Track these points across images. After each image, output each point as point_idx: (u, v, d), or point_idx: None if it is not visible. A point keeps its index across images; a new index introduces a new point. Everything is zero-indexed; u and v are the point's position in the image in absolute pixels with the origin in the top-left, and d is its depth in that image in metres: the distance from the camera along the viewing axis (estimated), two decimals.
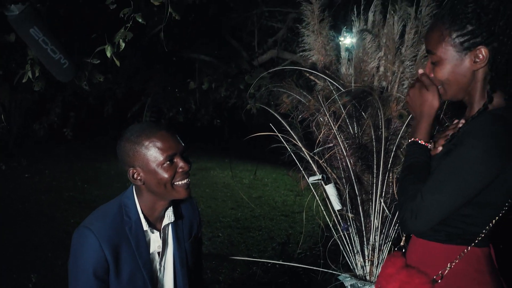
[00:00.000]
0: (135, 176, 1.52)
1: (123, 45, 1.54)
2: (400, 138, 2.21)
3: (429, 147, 1.39)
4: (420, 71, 1.43)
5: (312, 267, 2.66)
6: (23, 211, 5.82)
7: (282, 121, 2.52)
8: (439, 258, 1.34)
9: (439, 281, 1.32)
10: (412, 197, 1.30)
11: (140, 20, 1.60)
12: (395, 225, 2.34)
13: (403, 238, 1.54)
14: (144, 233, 1.57)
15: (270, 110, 2.62)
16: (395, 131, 2.23)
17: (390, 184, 2.28)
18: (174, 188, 1.53)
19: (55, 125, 4.73)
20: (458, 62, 1.31)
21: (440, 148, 1.38)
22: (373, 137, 2.22)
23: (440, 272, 1.32)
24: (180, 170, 1.52)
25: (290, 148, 2.52)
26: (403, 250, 1.50)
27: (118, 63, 1.62)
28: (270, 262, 4.24)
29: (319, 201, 2.52)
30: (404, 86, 2.28)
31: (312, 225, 6.00)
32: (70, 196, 6.65)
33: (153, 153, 1.49)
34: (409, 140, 1.43)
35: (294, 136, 2.46)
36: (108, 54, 1.49)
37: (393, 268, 1.43)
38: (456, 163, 1.24)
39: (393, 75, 2.29)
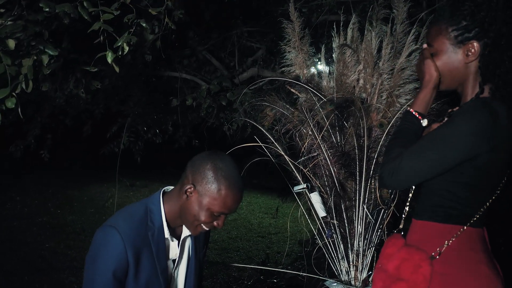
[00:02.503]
0: (188, 191, 1.52)
1: (126, 48, 1.59)
2: (381, 146, 2.33)
3: (421, 121, 1.51)
4: (424, 45, 1.56)
5: (299, 273, 2.71)
6: None
7: (266, 133, 2.60)
8: (437, 237, 1.44)
9: (437, 257, 1.42)
10: (393, 158, 1.44)
11: (144, 25, 1.68)
12: (377, 231, 2.43)
13: (402, 221, 1.64)
14: (164, 240, 1.58)
15: (254, 123, 2.71)
16: (376, 139, 2.34)
17: (373, 190, 2.38)
18: (196, 227, 1.55)
19: (31, 147, 4.67)
20: (452, 54, 1.47)
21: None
22: (356, 145, 2.32)
23: (438, 249, 1.42)
24: (215, 224, 1.55)
25: (274, 160, 2.61)
26: (402, 233, 1.60)
27: (117, 69, 1.68)
28: (251, 280, 4.26)
29: (303, 210, 2.59)
30: (383, 98, 2.41)
31: (290, 245, 6.06)
32: (43, 221, 6.52)
33: (216, 201, 1.49)
34: (407, 108, 1.56)
35: (279, 148, 2.55)
36: (109, 60, 1.54)
37: (393, 248, 1.52)
38: (438, 136, 1.39)
39: (372, 87, 2.42)
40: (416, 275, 1.41)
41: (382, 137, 2.33)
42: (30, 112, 4.64)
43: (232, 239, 6.30)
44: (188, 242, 1.70)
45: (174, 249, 1.64)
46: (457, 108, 1.55)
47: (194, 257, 1.70)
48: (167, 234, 1.59)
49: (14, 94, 1.66)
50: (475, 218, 1.43)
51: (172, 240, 1.63)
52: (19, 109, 1.75)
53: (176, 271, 1.69)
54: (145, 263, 1.53)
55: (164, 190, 1.63)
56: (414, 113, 1.54)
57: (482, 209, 1.44)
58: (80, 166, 11.84)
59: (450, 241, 1.42)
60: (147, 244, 1.53)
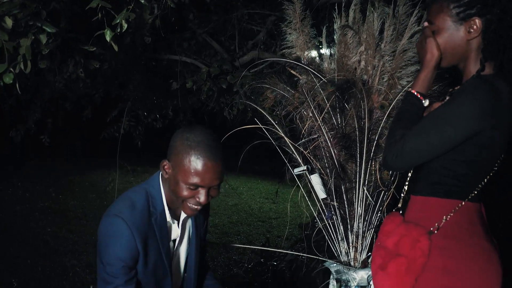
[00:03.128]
0: (165, 167, 1.53)
1: (125, 26, 1.57)
2: (382, 128, 2.32)
3: (423, 101, 1.51)
4: (425, 24, 1.55)
5: (299, 253, 2.73)
6: None
7: (266, 114, 2.60)
8: (435, 212, 1.45)
9: (436, 232, 1.43)
10: (397, 140, 1.45)
11: (143, 2, 1.65)
12: (377, 213, 2.44)
13: (401, 199, 1.64)
14: (166, 223, 1.59)
15: (254, 105, 2.70)
16: (377, 121, 2.33)
17: (373, 172, 2.38)
18: (183, 204, 1.53)
19: (31, 132, 4.67)
20: (454, 31, 1.46)
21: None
22: (356, 127, 2.31)
23: (436, 224, 1.43)
24: (197, 199, 1.51)
25: (274, 143, 2.60)
26: (400, 212, 1.61)
27: (116, 48, 1.67)
28: (251, 263, 4.29)
29: (303, 192, 2.59)
30: (384, 80, 2.40)
31: (290, 229, 6.08)
32: (45, 207, 6.55)
33: (189, 170, 1.45)
34: (408, 89, 1.55)
35: (279, 130, 2.55)
36: (108, 38, 1.53)
37: (392, 225, 1.53)
38: (440, 116, 1.39)
39: (374, 69, 2.40)
40: (414, 250, 1.42)
41: (383, 119, 2.32)
42: (29, 96, 4.64)
43: (233, 223, 6.34)
44: (189, 222, 1.71)
45: (175, 230, 1.66)
46: (458, 87, 1.54)
47: (194, 235, 1.71)
48: (168, 217, 1.60)
49: (12, 69, 1.64)
50: (473, 194, 1.45)
51: (173, 222, 1.64)
52: (17, 86, 1.74)
53: (177, 250, 1.70)
54: (151, 249, 1.54)
55: (161, 173, 1.62)
56: (415, 94, 1.53)
57: (480, 185, 1.45)
58: (81, 152, 11.88)
59: (449, 216, 1.43)
60: (151, 229, 1.54)
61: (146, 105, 4.63)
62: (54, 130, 4.86)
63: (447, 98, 1.53)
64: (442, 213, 1.44)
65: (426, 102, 1.52)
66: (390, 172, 2.36)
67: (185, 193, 1.48)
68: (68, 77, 3.96)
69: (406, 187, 1.69)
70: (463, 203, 1.44)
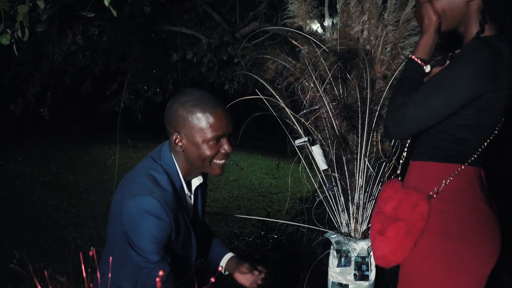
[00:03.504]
0: (177, 141, 1.51)
1: None
2: (384, 99, 2.30)
3: (424, 67, 1.49)
4: None
5: (299, 224, 2.74)
6: None
7: (267, 85, 2.58)
8: (435, 176, 1.45)
9: (435, 196, 1.43)
10: (397, 108, 1.44)
11: None
12: (378, 184, 2.44)
13: (399, 166, 1.64)
14: (186, 197, 1.62)
15: (255, 76, 2.68)
16: (379, 91, 2.31)
17: (374, 143, 2.37)
18: (211, 165, 1.54)
19: (31, 105, 4.64)
20: None
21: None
22: (358, 97, 2.30)
23: (435, 188, 1.43)
24: (223, 151, 1.53)
25: (275, 114, 2.59)
26: (399, 178, 1.60)
27: (115, 13, 1.63)
28: (252, 236, 4.32)
29: (304, 164, 2.59)
30: (387, 50, 2.37)
31: (290, 203, 6.10)
32: (46, 181, 6.56)
33: (203, 127, 1.46)
34: (409, 56, 1.52)
35: (280, 100, 2.53)
36: (106, 3, 1.50)
37: (391, 191, 1.53)
38: (441, 81, 1.38)
39: (377, 39, 2.37)
40: (413, 214, 1.42)
41: (386, 89, 2.30)
42: (28, 69, 4.60)
43: (234, 198, 6.36)
44: (198, 191, 1.73)
45: (189, 201, 1.69)
46: (458, 50, 1.51)
47: (201, 202, 1.75)
48: (186, 189, 1.61)
49: (8, 30, 1.62)
50: (473, 158, 1.44)
51: (190, 194, 1.67)
52: (15, 48, 1.71)
53: (192, 218, 1.72)
54: (180, 222, 1.55)
55: (173, 148, 1.60)
56: (416, 60, 1.51)
57: (480, 149, 1.44)
58: (81, 127, 11.87)
59: (448, 180, 1.43)
60: (178, 204, 1.54)
61: (146, 79, 4.59)
62: (54, 103, 4.83)
63: (447, 62, 1.51)
64: (441, 177, 1.44)
65: (427, 68, 1.50)
66: (392, 142, 2.35)
67: (210, 151, 1.50)
68: (67, 49, 3.92)
69: (405, 154, 1.68)
70: (462, 167, 1.43)
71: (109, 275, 1.41)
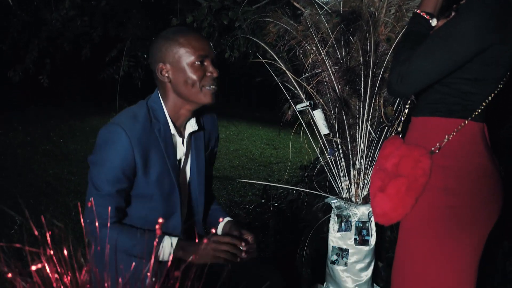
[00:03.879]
0: (163, 72, 1.54)
1: None
2: (387, 62, 2.26)
3: (430, 21, 1.45)
4: None
5: (300, 189, 2.73)
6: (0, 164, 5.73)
7: (268, 49, 2.53)
8: (437, 132, 1.42)
9: (437, 151, 1.41)
10: (402, 62, 1.40)
11: None
12: (380, 148, 2.42)
13: (401, 123, 1.61)
14: (171, 136, 1.59)
15: (256, 40, 2.63)
16: (383, 54, 2.27)
17: (377, 108, 2.34)
18: (202, 91, 1.54)
19: (30, 73, 4.59)
20: None
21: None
22: (361, 61, 2.26)
23: (438, 144, 1.41)
24: (209, 74, 1.54)
25: (276, 78, 2.55)
26: (400, 135, 1.58)
27: None
28: (252, 204, 4.33)
29: (305, 128, 2.57)
30: (391, 12, 2.31)
31: (290, 173, 6.11)
32: (46, 150, 6.55)
33: (186, 50, 1.51)
34: (414, 11, 1.48)
35: (281, 64, 2.49)
36: None
37: (391, 147, 1.51)
38: (447, 33, 1.33)
39: (381, 1, 2.31)
40: (415, 170, 1.40)
41: (389, 52, 2.25)
42: (26, 36, 4.54)
43: (234, 167, 6.37)
44: (193, 141, 1.70)
45: (180, 148, 1.65)
46: (463, 1, 1.46)
47: (196, 157, 1.70)
48: (173, 130, 1.59)
49: None
50: (476, 113, 1.41)
51: (179, 137, 1.64)
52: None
53: (184, 169, 1.70)
54: (155, 159, 1.54)
55: (160, 82, 1.62)
56: (421, 13, 1.46)
57: (484, 103, 1.41)
58: (81, 97, 11.82)
59: (451, 136, 1.40)
60: (154, 140, 1.54)
61: (145, 45, 4.53)
62: (53, 71, 4.78)
63: (453, 14, 1.46)
64: (444, 132, 1.41)
65: (433, 22, 1.46)
66: (394, 106, 2.32)
67: (195, 74, 1.52)
68: (65, 14, 3.86)
69: (406, 110, 1.65)
70: (466, 122, 1.40)
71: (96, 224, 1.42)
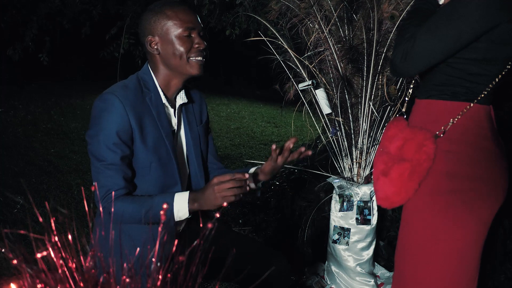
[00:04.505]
0: (152, 44, 1.57)
1: None
2: (391, 41, 2.23)
3: None
4: None
5: (302, 168, 2.73)
6: (1, 142, 5.72)
7: (270, 27, 2.50)
8: (442, 115, 1.40)
9: (441, 135, 1.39)
10: (407, 39, 1.36)
11: None
12: (382, 128, 2.41)
13: (405, 104, 1.60)
14: (163, 105, 1.61)
15: (258, 17, 2.60)
16: (386, 33, 2.24)
17: (380, 87, 2.33)
18: (189, 62, 1.58)
19: (30, 51, 4.56)
20: None
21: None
22: (364, 39, 2.23)
23: (442, 127, 1.39)
24: (196, 46, 1.57)
25: (278, 57, 2.53)
26: (405, 116, 1.56)
27: None
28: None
29: (307, 107, 2.55)
30: None
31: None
32: (48, 128, 6.55)
33: (173, 22, 1.54)
34: None
35: (283, 42, 2.46)
36: None
37: (395, 129, 1.49)
38: (453, 10, 1.30)
39: None
40: (419, 154, 1.39)
41: (393, 30, 2.22)
42: (25, 12, 4.49)
43: (235, 146, 6.36)
44: (184, 114, 1.72)
45: (172, 118, 1.67)
46: None
47: (189, 129, 1.72)
48: (164, 99, 1.62)
49: None
50: (483, 95, 1.38)
51: (171, 107, 1.66)
52: None
53: (178, 139, 1.71)
54: (149, 127, 1.56)
55: (150, 54, 1.64)
56: None
57: (491, 85, 1.38)
58: (81, 76, 11.75)
59: (456, 119, 1.38)
60: (146, 108, 1.57)
61: None
62: (53, 50, 4.74)
63: None
64: (449, 116, 1.39)
65: (441, 0, 1.43)
66: (398, 85, 2.31)
67: (183, 46, 1.55)
68: None
69: (410, 91, 1.63)
70: (471, 104, 1.38)
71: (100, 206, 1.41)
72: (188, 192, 1.50)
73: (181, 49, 1.55)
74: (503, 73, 1.38)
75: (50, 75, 9.82)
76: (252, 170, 1.70)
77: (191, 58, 1.57)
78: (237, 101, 10.61)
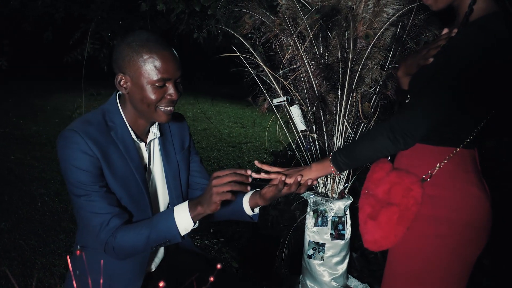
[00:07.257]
0: (121, 83, 1.45)
1: None
2: (365, 59, 2.24)
3: None
4: None
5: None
6: None
7: (243, 41, 2.47)
8: (429, 159, 1.42)
9: (428, 179, 1.40)
10: (405, 119, 1.34)
11: None
12: None
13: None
14: (132, 139, 1.52)
15: (231, 31, 2.56)
16: (361, 51, 2.25)
17: (354, 104, 2.33)
18: (157, 112, 1.47)
19: None
20: None
21: (431, 60, 1.41)
22: (339, 57, 2.23)
23: (429, 171, 1.40)
24: (168, 97, 1.45)
25: (252, 72, 2.50)
26: (388, 158, 1.57)
27: None
28: None
29: (281, 123, 2.54)
30: (369, 7, 2.28)
31: (259, 154, 6.09)
32: (6, 132, 6.30)
33: (148, 69, 1.40)
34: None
35: (257, 58, 2.43)
36: None
37: (381, 172, 1.49)
38: (449, 76, 1.31)
39: None
40: (407, 199, 1.40)
41: (367, 49, 2.23)
42: None
43: (203, 148, 6.30)
44: (158, 146, 1.63)
45: (144, 152, 1.59)
46: (455, 30, 1.39)
47: (167, 161, 1.64)
48: (133, 134, 1.52)
49: None
50: (468, 140, 1.40)
51: (140, 142, 1.56)
52: None
53: (150, 177, 1.62)
54: (116, 162, 1.47)
55: (119, 93, 1.55)
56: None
57: (476, 130, 1.41)
58: (42, 76, 11.35)
59: (442, 164, 1.40)
60: (112, 143, 1.47)
61: (111, 26, 4.36)
62: (12, 52, 4.55)
63: (442, 42, 1.42)
64: (435, 160, 1.41)
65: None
66: (371, 103, 2.32)
67: (154, 95, 1.43)
68: None
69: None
70: (457, 149, 1.40)
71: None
72: (186, 202, 1.42)
73: (151, 97, 1.43)
74: (488, 117, 1.40)
75: (8, 74, 9.48)
76: (249, 194, 1.59)
77: (159, 107, 1.46)
78: (203, 100, 10.54)
